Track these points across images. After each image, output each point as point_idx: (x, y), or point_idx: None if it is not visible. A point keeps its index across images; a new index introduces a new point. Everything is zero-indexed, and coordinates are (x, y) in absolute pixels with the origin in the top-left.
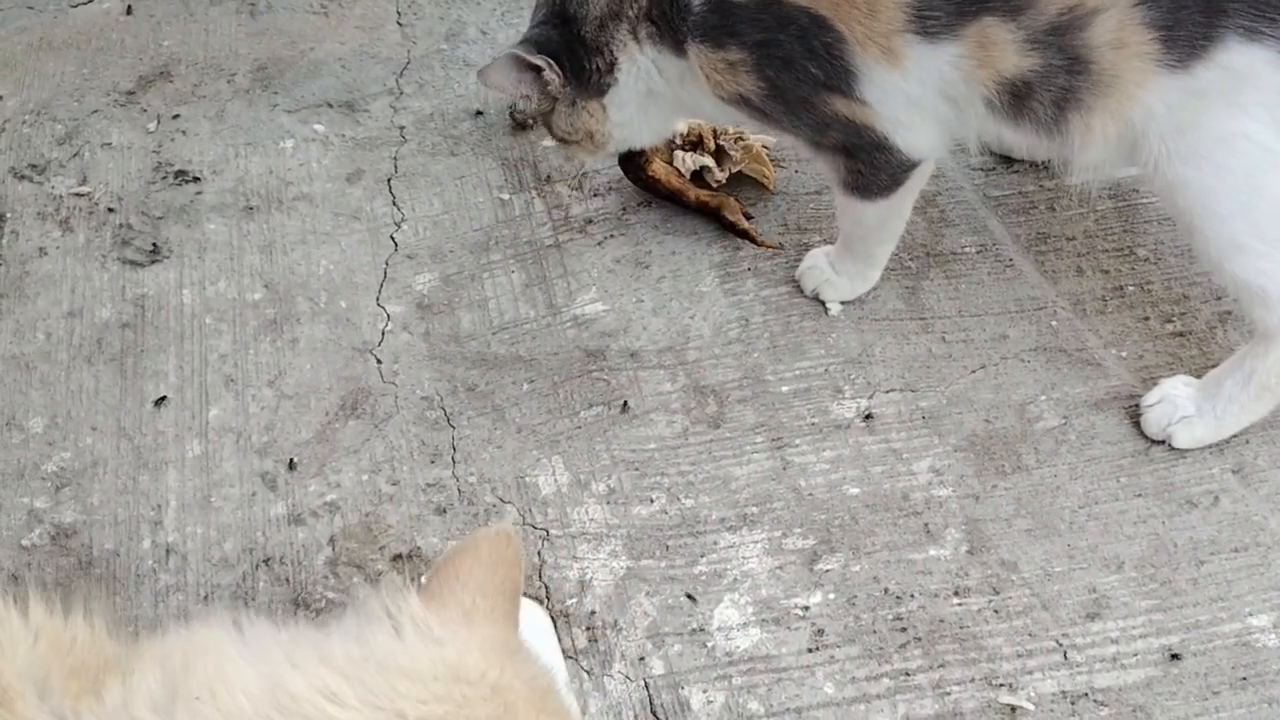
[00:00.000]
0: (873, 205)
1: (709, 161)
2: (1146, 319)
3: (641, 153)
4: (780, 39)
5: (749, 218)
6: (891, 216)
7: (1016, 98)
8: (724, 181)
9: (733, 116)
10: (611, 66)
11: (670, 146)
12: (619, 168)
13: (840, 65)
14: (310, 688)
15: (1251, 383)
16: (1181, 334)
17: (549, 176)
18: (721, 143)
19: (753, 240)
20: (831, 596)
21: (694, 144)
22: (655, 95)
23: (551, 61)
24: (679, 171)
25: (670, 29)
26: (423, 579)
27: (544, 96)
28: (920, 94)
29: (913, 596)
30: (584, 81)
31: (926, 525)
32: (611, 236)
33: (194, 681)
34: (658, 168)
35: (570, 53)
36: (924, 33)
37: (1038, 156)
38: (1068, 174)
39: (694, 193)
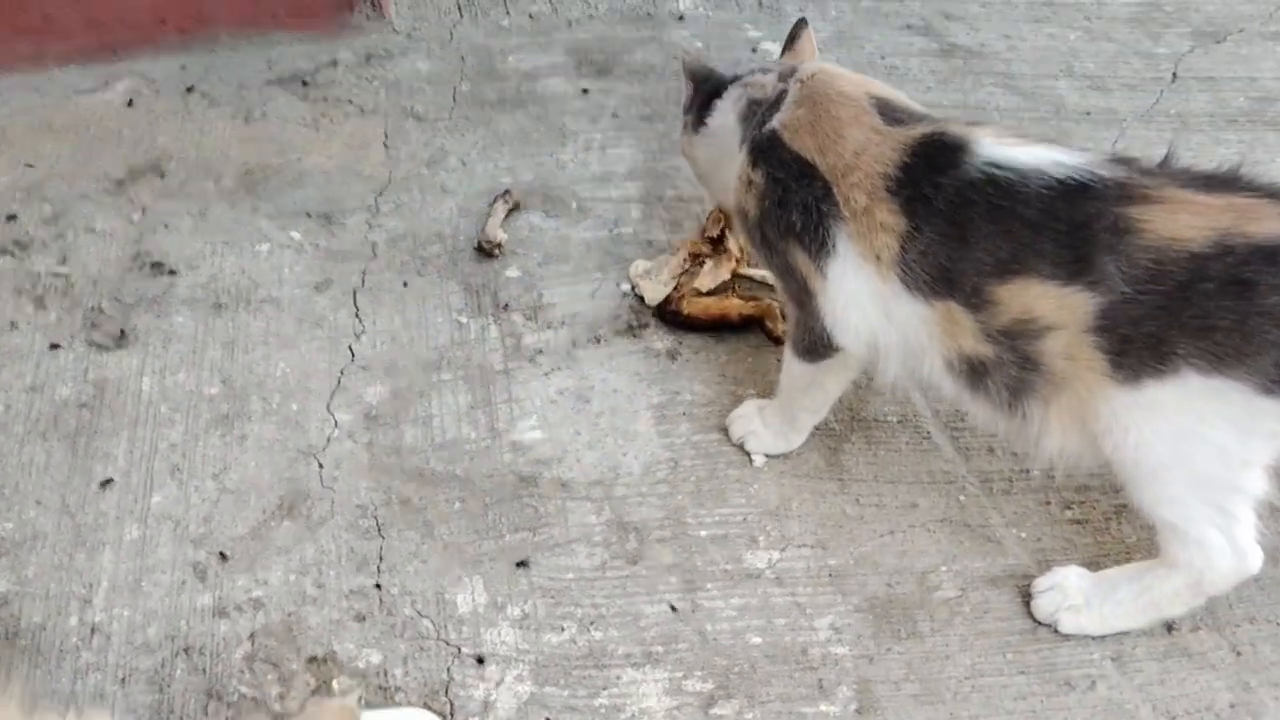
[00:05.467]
0: (799, 365)
1: (722, 272)
2: (1048, 504)
3: (669, 300)
4: (790, 185)
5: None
6: (814, 387)
7: (974, 373)
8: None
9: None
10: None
11: (685, 268)
12: (657, 318)
13: (823, 232)
14: None
15: (1144, 596)
16: (1079, 522)
17: (507, 305)
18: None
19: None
20: None
21: (708, 247)
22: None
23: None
24: (710, 300)
25: (749, 126)
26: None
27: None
28: (875, 310)
29: None
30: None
31: (821, 681)
32: (558, 369)
33: None
34: (692, 306)
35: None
36: (904, 281)
37: (1000, 435)
38: (1033, 459)
39: (736, 310)
